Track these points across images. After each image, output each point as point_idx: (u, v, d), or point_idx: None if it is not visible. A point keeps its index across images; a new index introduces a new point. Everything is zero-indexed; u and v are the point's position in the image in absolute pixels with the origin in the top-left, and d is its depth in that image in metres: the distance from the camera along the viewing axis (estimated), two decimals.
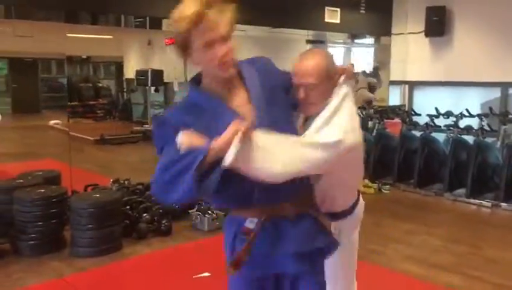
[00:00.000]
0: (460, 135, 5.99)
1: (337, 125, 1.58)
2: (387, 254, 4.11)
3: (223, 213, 4.39)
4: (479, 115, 6.15)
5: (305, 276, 1.63)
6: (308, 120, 1.69)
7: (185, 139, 1.43)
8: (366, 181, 6.14)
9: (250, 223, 1.57)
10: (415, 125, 6.49)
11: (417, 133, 6.37)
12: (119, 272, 3.71)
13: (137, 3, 6.32)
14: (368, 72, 9.75)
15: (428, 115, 6.34)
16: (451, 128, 6.12)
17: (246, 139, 1.38)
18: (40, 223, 3.86)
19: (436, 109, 6.35)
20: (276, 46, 7.91)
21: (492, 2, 6.61)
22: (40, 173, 4.74)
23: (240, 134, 1.35)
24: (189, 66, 1.67)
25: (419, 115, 6.69)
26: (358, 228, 2.03)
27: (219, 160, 1.36)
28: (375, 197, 5.92)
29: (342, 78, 1.69)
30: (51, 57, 15.64)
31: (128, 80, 14.99)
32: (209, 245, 4.13)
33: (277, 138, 1.48)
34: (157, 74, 13.05)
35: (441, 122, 6.32)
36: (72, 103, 14.46)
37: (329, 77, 1.67)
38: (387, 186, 6.23)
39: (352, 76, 1.74)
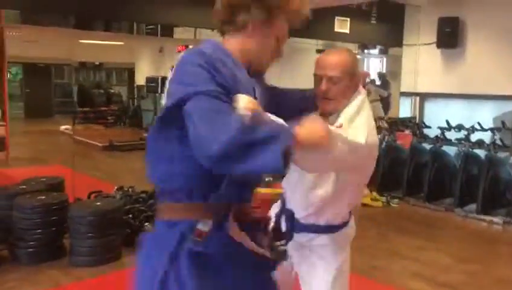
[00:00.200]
0: (472, 149, 5.85)
1: (361, 128, 1.62)
2: (393, 270, 3.99)
3: None
4: (491, 129, 6.01)
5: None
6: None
7: (248, 104, 1.31)
8: (374, 194, 6.02)
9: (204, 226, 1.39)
10: (425, 138, 6.36)
11: (427, 146, 6.24)
12: (117, 282, 3.63)
13: (149, 12, 6.32)
14: (377, 82, 9.66)
15: (439, 128, 6.21)
16: (462, 141, 5.98)
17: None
18: (39, 231, 3.81)
19: (447, 122, 6.22)
20: (286, 55, 7.84)
21: (507, 14, 6.47)
22: (44, 179, 4.70)
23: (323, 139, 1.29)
24: None
25: (430, 127, 6.56)
26: (348, 251, 1.92)
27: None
28: (383, 211, 5.79)
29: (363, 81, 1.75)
30: (63, 62, 15.78)
31: (139, 87, 15.07)
32: None
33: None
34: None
35: (452, 135, 6.18)
36: (83, 109, 14.56)
37: (352, 75, 1.69)
38: (396, 200, 6.10)
39: (365, 83, 1.79)
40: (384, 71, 10.81)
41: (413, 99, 7.63)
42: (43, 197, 4.00)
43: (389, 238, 4.76)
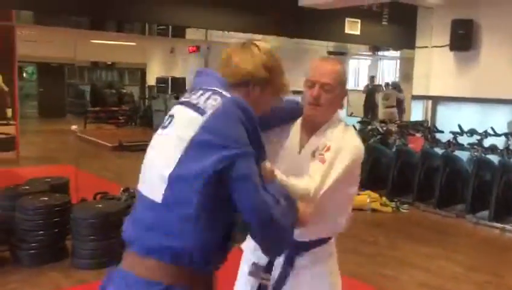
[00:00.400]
0: (485, 154, 5.73)
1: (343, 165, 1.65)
2: (400, 279, 3.88)
3: None
4: (505, 134, 5.89)
5: None
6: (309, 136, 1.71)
7: (269, 172, 1.41)
8: (384, 199, 5.91)
9: None
10: (437, 142, 6.23)
11: (439, 151, 6.11)
12: None
13: (160, 12, 6.32)
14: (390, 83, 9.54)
15: (451, 132, 6.09)
16: (475, 146, 5.85)
17: None
18: (41, 232, 3.77)
19: (460, 126, 6.09)
20: (296, 56, 7.77)
21: None
22: (49, 179, 4.68)
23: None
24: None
25: (442, 132, 6.43)
26: (337, 266, 1.84)
27: None
28: (392, 217, 5.67)
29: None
30: (75, 62, 15.89)
31: (150, 87, 15.11)
32: None
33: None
34: (178, 82, 13.08)
35: (464, 140, 6.05)
36: (95, 108, 14.63)
37: (343, 86, 1.72)
38: (406, 205, 5.97)
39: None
40: (397, 74, 10.70)
41: (425, 103, 7.49)
42: (46, 198, 3.96)
43: (398, 246, 4.65)
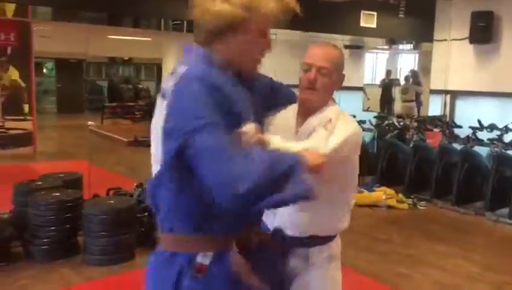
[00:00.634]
0: (505, 150, 5.57)
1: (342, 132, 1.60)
2: (415, 278, 3.79)
3: None
4: None
5: None
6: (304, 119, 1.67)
7: (254, 136, 1.29)
8: (400, 196, 5.80)
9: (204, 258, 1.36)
10: (456, 137, 6.08)
11: (457, 147, 5.97)
12: (129, 283, 3.57)
13: (175, 7, 6.31)
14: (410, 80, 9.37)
15: (470, 128, 5.94)
16: (495, 142, 5.70)
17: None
18: (53, 228, 3.78)
19: (479, 121, 5.94)
20: None
21: None
22: (62, 175, 4.69)
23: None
24: None
25: (461, 127, 6.28)
26: (340, 267, 1.78)
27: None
28: (409, 213, 5.56)
29: None
30: (91, 58, 16.00)
31: None
32: None
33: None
34: None
35: (483, 135, 5.90)
36: (111, 104, 14.73)
37: (339, 72, 1.70)
38: (423, 202, 5.85)
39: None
40: (416, 68, 10.51)
41: (443, 97, 7.33)
42: (58, 193, 3.97)
43: (414, 244, 4.54)
